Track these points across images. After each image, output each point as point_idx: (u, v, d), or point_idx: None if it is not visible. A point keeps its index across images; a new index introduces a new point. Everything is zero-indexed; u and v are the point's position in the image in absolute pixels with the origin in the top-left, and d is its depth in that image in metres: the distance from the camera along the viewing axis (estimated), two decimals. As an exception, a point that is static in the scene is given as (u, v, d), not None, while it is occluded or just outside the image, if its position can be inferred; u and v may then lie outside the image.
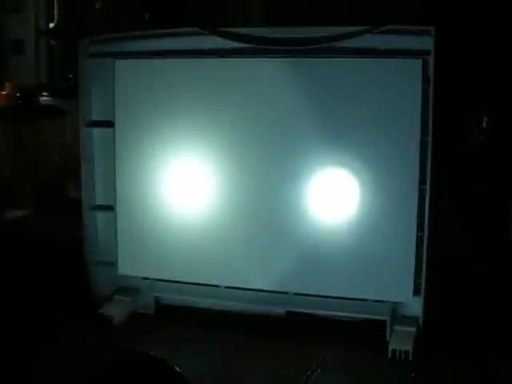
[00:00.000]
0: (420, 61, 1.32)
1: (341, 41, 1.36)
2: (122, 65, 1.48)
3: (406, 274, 1.36)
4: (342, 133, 1.37)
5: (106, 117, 1.52)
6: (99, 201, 1.57)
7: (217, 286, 1.49)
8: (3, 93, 2.38)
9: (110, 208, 1.54)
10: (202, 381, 1.23)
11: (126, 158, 1.50)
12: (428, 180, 1.34)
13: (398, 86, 1.33)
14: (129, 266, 1.53)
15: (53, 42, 2.98)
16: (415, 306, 1.38)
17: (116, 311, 1.49)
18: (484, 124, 2.08)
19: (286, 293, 1.45)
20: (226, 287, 1.48)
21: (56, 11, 2.95)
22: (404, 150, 1.34)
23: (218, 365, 1.30)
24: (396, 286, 1.38)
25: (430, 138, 1.32)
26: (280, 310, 1.48)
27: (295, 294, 1.45)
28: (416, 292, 1.36)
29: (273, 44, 1.39)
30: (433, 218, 1.34)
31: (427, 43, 1.31)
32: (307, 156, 1.40)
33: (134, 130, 1.49)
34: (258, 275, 1.45)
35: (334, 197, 1.40)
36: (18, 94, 2.36)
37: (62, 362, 1.29)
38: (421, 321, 1.38)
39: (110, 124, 1.51)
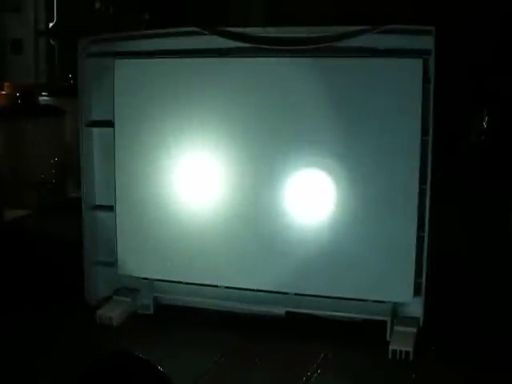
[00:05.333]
0: (420, 60, 1.31)
1: (341, 41, 1.36)
2: (121, 64, 1.48)
3: (406, 274, 1.36)
4: (341, 132, 1.37)
5: (105, 116, 1.52)
6: (99, 201, 1.57)
7: (217, 286, 1.49)
8: (2, 93, 2.38)
9: (110, 208, 1.53)
10: (202, 381, 1.23)
11: (125, 158, 1.50)
12: (428, 180, 1.33)
13: (398, 85, 1.33)
14: (128, 267, 1.53)
15: (52, 42, 2.98)
16: (416, 306, 1.38)
17: (115, 312, 1.48)
18: (484, 124, 2.08)
19: (286, 293, 1.45)
20: (226, 287, 1.48)
21: (55, 11, 2.95)
22: (404, 149, 1.34)
23: (218, 365, 1.30)
24: (396, 286, 1.38)
25: (430, 138, 1.32)
26: (280, 310, 1.48)
27: (295, 294, 1.45)
28: (416, 292, 1.36)
29: (273, 44, 1.39)
30: (433, 218, 1.34)
31: (428, 43, 1.31)
32: (307, 156, 1.39)
33: (133, 130, 1.49)
34: (258, 275, 1.45)
35: (334, 197, 1.40)
36: (17, 94, 2.36)
37: (61, 362, 1.29)
38: (421, 321, 1.37)
39: (109, 124, 1.51)
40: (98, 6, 2.82)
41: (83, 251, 1.55)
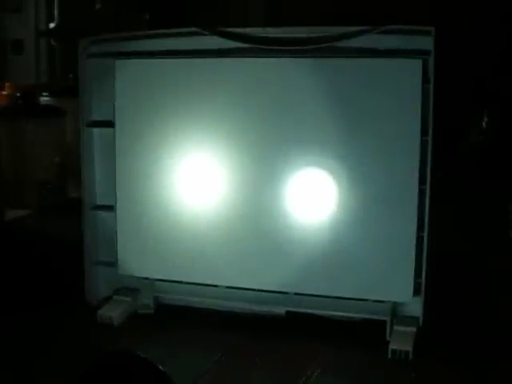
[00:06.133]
0: (420, 61, 1.32)
1: (341, 41, 1.37)
2: (122, 65, 1.48)
3: (406, 274, 1.36)
4: (341, 132, 1.37)
5: (106, 117, 1.52)
6: (99, 201, 1.57)
7: (217, 286, 1.49)
8: (3, 93, 2.38)
9: (110, 208, 1.54)
10: (202, 381, 1.23)
11: (126, 158, 1.50)
12: (428, 180, 1.34)
13: (397, 85, 1.33)
14: (129, 266, 1.53)
15: (53, 42, 2.98)
16: (415, 306, 1.38)
17: (116, 311, 1.49)
18: (484, 124, 2.09)
19: (286, 293, 1.45)
20: (226, 287, 1.48)
21: (56, 11, 2.95)
22: (404, 149, 1.34)
23: (218, 364, 1.30)
24: (396, 285, 1.38)
25: (430, 138, 1.32)
26: (280, 310, 1.48)
27: (295, 294, 1.45)
28: (416, 292, 1.36)
29: (273, 44, 1.39)
30: (433, 218, 1.34)
31: (427, 43, 1.31)
32: (307, 156, 1.40)
33: (134, 130, 1.49)
34: (259, 275, 1.45)
35: (335, 197, 1.40)
36: (17, 94, 2.36)
37: (61, 362, 1.29)
38: (421, 321, 1.38)
39: (110, 124, 1.51)
40: (98, 6, 2.83)
41: (83, 251, 1.55)
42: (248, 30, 1.42)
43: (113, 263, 1.54)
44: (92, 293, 1.55)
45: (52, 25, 2.96)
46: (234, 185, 1.45)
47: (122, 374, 1.05)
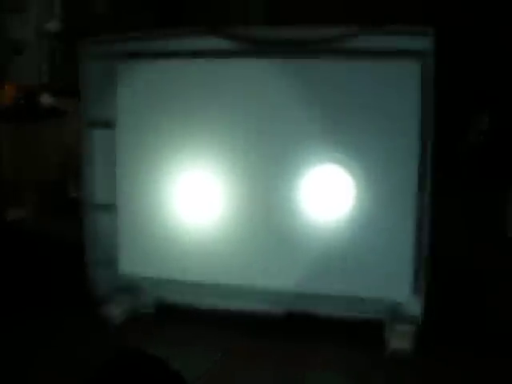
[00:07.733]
0: (420, 62, 1.32)
1: (341, 41, 1.37)
2: (124, 66, 1.49)
3: (405, 274, 1.36)
4: (341, 134, 1.38)
5: (106, 117, 1.52)
6: (100, 200, 1.57)
7: (217, 285, 1.49)
8: (4, 93, 2.38)
9: (111, 208, 1.54)
10: (202, 381, 1.24)
11: (127, 158, 1.50)
12: (428, 180, 1.34)
13: (397, 86, 1.34)
14: (129, 266, 1.54)
15: (54, 43, 2.98)
16: (415, 306, 1.38)
17: (116, 311, 1.49)
18: (483, 124, 2.09)
19: (286, 292, 1.46)
20: (227, 287, 1.49)
21: (57, 12, 2.96)
22: (404, 150, 1.35)
23: (218, 364, 1.31)
24: (395, 285, 1.38)
25: (430, 139, 1.32)
26: (280, 310, 1.48)
27: (295, 293, 1.45)
28: (415, 291, 1.37)
29: (273, 44, 1.39)
30: (433, 218, 1.35)
31: (427, 44, 1.31)
32: (307, 157, 1.40)
33: (135, 131, 1.49)
34: (259, 275, 1.45)
35: (334, 197, 1.40)
36: (19, 95, 2.36)
37: (62, 362, 1.29)
38: (420, 320, 1.38)
39: (110, 124, 1.51)
40: (99, 7, 2.83)
41: (84, 251, 1.55)
42: (249, 31, 1.42)
43: (113, 263, 1.54)
44: (93, 292, 1.56)
45: (53, 25, 2.96)
46: (234, 185, 1.45)
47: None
